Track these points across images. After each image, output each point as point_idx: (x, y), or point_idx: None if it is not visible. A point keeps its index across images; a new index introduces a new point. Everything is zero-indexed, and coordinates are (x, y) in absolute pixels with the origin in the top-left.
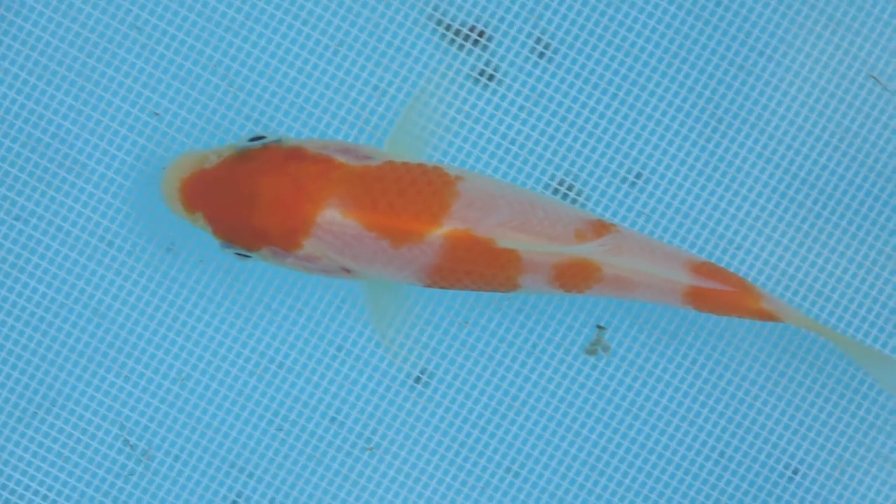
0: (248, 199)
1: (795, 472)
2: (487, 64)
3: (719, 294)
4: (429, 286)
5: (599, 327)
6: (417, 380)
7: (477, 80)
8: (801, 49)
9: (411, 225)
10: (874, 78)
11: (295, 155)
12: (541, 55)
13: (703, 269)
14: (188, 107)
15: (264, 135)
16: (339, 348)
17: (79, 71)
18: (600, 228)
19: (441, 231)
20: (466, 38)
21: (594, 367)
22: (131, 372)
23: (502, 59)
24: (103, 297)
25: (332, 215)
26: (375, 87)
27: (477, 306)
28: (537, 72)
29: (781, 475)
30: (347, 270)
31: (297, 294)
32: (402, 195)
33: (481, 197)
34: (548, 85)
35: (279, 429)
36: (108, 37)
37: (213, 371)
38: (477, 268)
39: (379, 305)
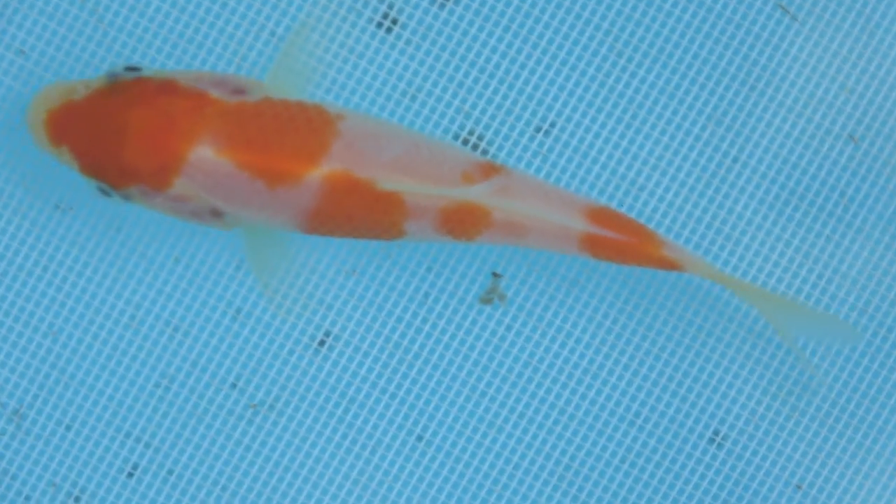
0: (117, 132)
1: (716, 433)
2: (391, 7)
3: (617, 242)
4: (308, 233)
5: (495, 275)
6: (315, 339)
7: (379, 25)
8: None
9: (288, 165)
10: (782, 8)
11: (167, 88)
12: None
13: (601, 214)
14: (56, 44)
15: (138, 66)
16: (221, 300)
17: None
18: (489, 170)
19: (319, 172)
20: None
21: (490, 316)
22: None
23: (405, 2)
24: None
25: (204, 153)
26: (253, 22)
27: (365, 254)
28: (443, 15)
29: (701, 436)
30: (219, 215)
31: (174, 242)
32: (278, 133)
33: (363, 137)
34: (454, 29)
35: (166, 390)
36: None
37: (85, 324)
38: (358, 212)
39: (259, 254)
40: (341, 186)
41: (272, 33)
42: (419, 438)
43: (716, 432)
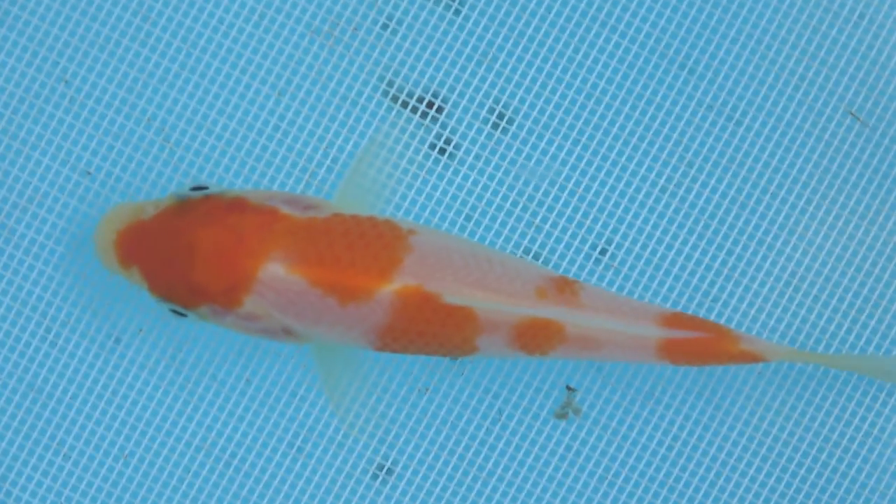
0: (186, 252)
1: None
2: (438, 137)
3: (694, 342)
4: (380, 349)
5: (569, 389)
6: (381, 467)
7: (432, 149)
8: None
9: (359, 280)
10: (852, 114)
11: (237, 206)
12: (495, 126)
13: (674, 319)
14: (122, 164)
15: (206, 185)
16: (293, 420)
17: (3, 128)
18: (563, 285)
19: (391, 287)
20: (417, 111)
21: (565, 431)
22: (71, 450)
23: (454, 131)
24: (39, 369)
25: (274, 270)
26: (321, 139)
27: (437, 370)
28: (492, 144)
29: None
30: (291, 332)
31: (245, 363)
32: (349, 249)
33: (435, 251)
34: (503, 157)
35: None
36: (35, 91)
37: (157, 447)
38: (430, 328)
39: (331, 372)
40: (413, 302)
41: (340, 151)
42: None
43: None
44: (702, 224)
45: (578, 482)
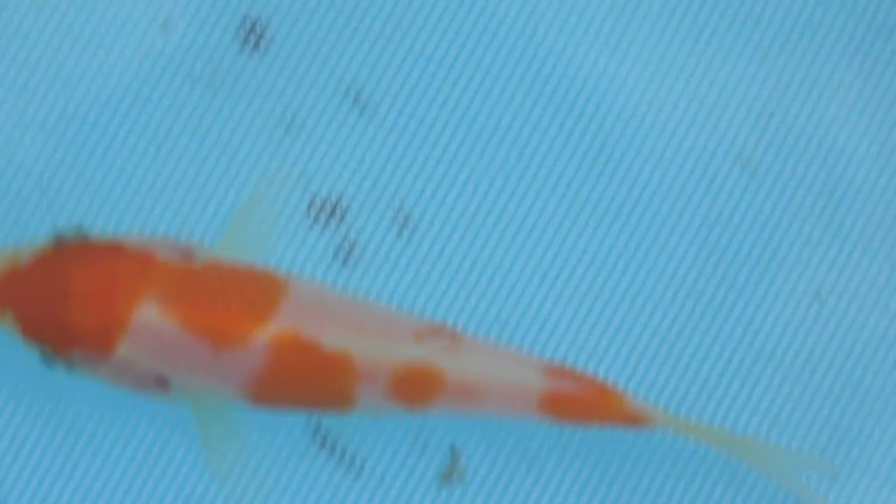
0: (60, 293)
1: None
2: (341, 242)
3: (578, 398)
4: (256, 403)
5: (453, 452)
6: None
7: (334, 256)
8: None
9: (234, 323)
10: None
11: (113, 250)
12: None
13: (559, 372)
14: None
15: (86, 231)
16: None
17: None
18: (441, 330)
19: (266, 331)
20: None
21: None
22: None
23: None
24: None
25: (149, 312)
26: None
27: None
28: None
29: None
30: (165, 383)
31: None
32: (224, 293)
33: (312, 299)
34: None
35: None
36: None
37: None
38: (307, 375)
39: (208, 433)
40: (289, 346)
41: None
42: None
43: None
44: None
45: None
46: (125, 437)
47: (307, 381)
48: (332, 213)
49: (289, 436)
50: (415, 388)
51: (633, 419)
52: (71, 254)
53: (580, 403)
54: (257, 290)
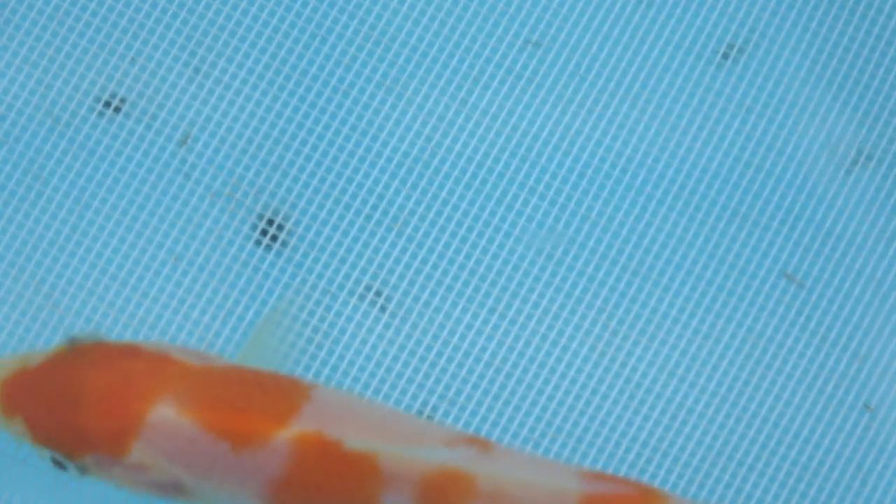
0: (73, 395)
1: None
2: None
3: (620, 499)
4: None
5: None
6: None
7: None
8: None
9: (255, 424)
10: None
11: (129, 351)
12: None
13: (597, 476)
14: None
15: (98, 335)
16: None
17: None
18: (473, 439)
19: (288, 433)
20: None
21: None
22: None
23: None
24: None
25: (164, 413)
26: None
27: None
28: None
29: None
30: (182, 489)
31: None
32: (245, 394)
33: (337, 403)
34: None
35: None
36: None
37: None
38: (330, 480)
39: None
40: (312, 448)
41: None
42: None
43: None
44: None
45: None
46: None
47: (331, 487)
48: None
49: None
50: (446, 496)
51: None
52: (84, 355)
53: None
54: (279, 392)
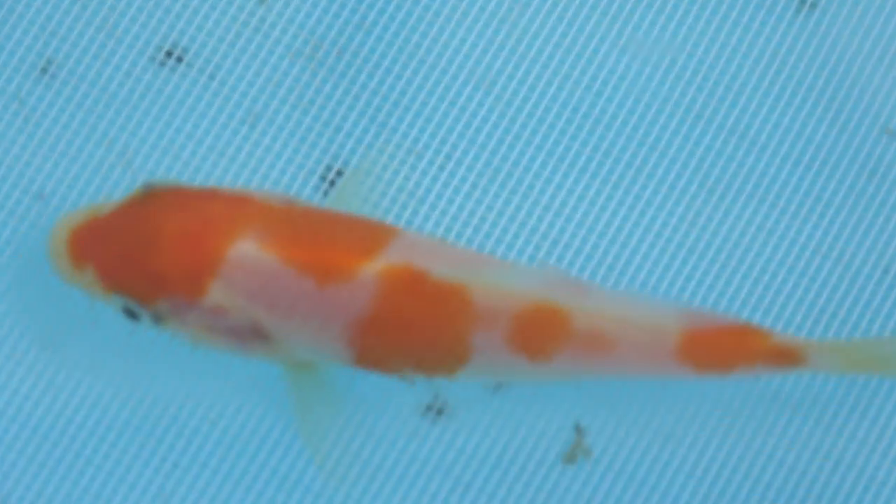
0: (147, 239)
1: None
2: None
3: (722, 335)
4: (362, 358)
5: (578, 430)
6: None
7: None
8: None
9: (341, 258)
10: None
11: (208, 194)
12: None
13: (697, 313)
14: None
15: (176, 181)
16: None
17: None
18: (569, 277)
19: (376, 265)
20: None
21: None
22: None
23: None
24: None
25: (245, 249)
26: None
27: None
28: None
29: None
30: (262, 334)
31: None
32: (331, 230)
33: (427, 241)
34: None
35: None
36: None
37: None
38: (418, 316)
39: (306, 405)
40: (400, 282)
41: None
42: None
43: None
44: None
45: None
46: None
47: (419, 324)
48: None
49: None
50: (538, 333)
51: (783, 356)
52: (159, 199)
53: (724, 342)
54: (366, 229)
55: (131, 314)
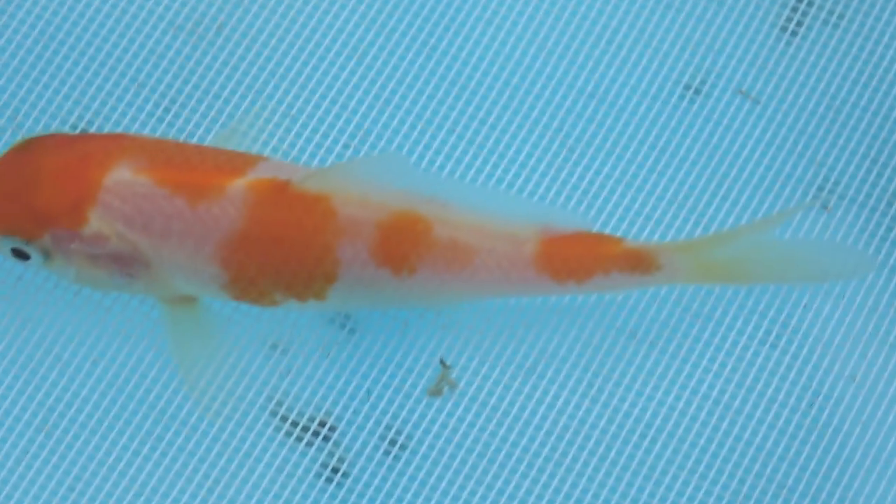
0: (29, 179)
1: None
2: (327, 463)
3: (575, 242)
4: (234, 282)
5: (443, 364)
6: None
7: (319, 476)
8: None
9: (210, 177)
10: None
11: (83, 135)
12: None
13: (552, 226)
14: None
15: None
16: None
17: None
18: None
19: (244, 181)
20: (307, 432)
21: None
22: None
23: (345, 455)
24: None
25: (119, 175)
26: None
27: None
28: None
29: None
30: (141, 261)
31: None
32: (200, 155)
33: (292, 165)
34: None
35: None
36: None
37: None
38: (287, 229)
39: (183, 341)
40: (267, 194)
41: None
42: None
43: None
44: None
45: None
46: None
47: (287, 234)
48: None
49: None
50: (401, 244)
51: (636, 260)
52: (38, 143)
53: (578, 248)
54: (236, 155)
55: (20, 254)
